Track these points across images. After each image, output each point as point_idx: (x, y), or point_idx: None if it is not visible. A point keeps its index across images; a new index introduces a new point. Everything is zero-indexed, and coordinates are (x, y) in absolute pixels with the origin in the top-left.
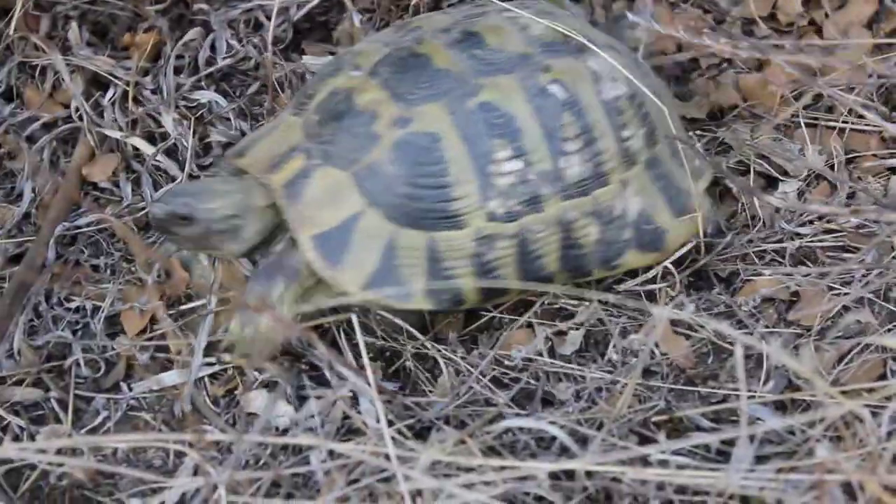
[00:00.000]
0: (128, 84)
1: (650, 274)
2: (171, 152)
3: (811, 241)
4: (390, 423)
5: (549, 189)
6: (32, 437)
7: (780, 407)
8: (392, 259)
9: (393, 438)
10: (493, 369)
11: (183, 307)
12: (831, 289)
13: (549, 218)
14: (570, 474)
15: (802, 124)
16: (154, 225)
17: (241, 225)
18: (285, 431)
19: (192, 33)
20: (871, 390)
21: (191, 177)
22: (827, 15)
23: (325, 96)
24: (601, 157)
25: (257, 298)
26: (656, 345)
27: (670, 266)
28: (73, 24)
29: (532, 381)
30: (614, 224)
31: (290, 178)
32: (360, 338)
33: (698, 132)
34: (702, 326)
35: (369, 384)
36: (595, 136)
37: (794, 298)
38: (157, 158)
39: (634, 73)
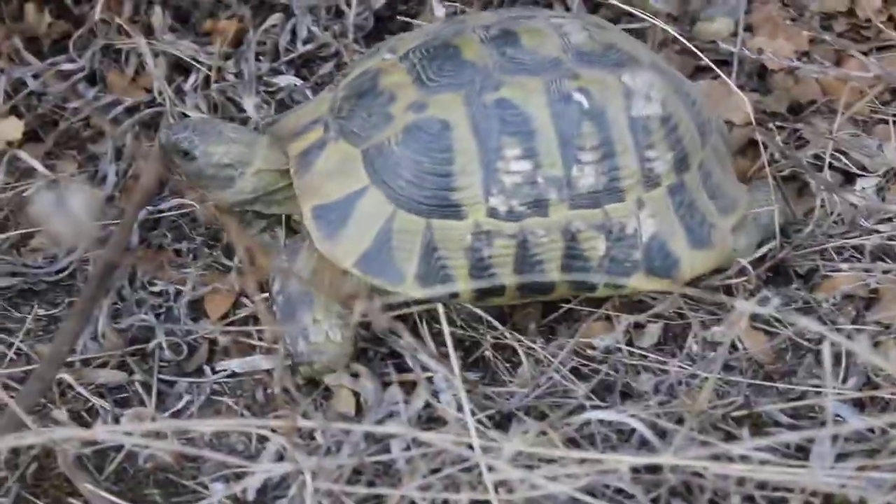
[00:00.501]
0: (210, 69)
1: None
2: None
3: (890, 239)
4: (472, 413)
5: (556, 195)
6: (117, 420)
7: (858, 404)
8: (388, 240)
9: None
10: (573, 360)
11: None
12: None
13: (553, 224)
14: (650, 468)
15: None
16: (159, 150)
17: (234, 177)
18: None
19: (274, 19)
20: None
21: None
22: None
23: (356, 75)
24: (618, 173)
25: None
26: (738, 339)
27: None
28: (157, 9)
29: (611, 373)
30: (624, 242)
31: (305, 147)
32: (445, 328)
33: (778, 124)
34: (779, 322)
35: (453, 373)
36: (615, 150)
37: (874, 296)
38: None
39: (675, 95)
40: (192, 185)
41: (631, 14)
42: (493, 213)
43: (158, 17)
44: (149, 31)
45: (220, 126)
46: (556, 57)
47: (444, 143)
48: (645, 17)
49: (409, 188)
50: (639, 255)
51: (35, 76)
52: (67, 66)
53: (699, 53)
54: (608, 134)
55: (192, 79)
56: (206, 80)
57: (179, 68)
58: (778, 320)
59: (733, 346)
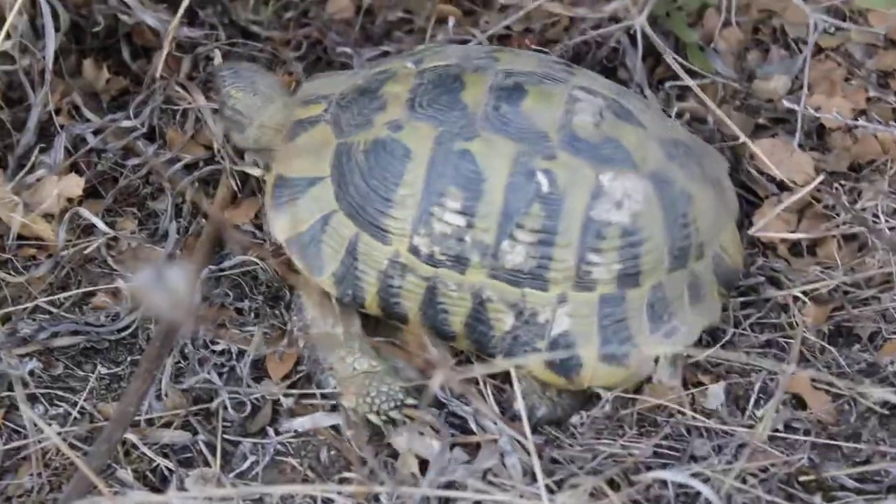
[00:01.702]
0: None
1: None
2: None
3: None
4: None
5: (479, 259)
6: (182, 481)
7: None
8: (322, 233)
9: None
10: (636, 424)
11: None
12: None
13: (466, 283)
14: None
15: None
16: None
17: (244, 125)
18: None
19: None
20: None
21: None
22: None
23: (377, 71)
24: (550, 263)
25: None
26: (798, 399)
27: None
28: (218, 55)
29: (674, 434)
30: (531, 328)
31: (303, 117)
32: (518, 395)
33: (841, 184)
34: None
35: (525, 436)
36: (556, 241)
37: None
38: None
39: (663, 213)
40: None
41: (692, 73)
42: (414, 250)
43: (219, 61)
44: (207, 88)
45: (257, 76)
46: (545, 131)
47: (398, 168)
48: (706, 74)
49: (354, 195)
50: (542, 345)
51: (95, 133)
52: (127, 123)
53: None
54: (555, 224)
55: None
56: None
57: None
58: (836, 383)
59: (796, 406)
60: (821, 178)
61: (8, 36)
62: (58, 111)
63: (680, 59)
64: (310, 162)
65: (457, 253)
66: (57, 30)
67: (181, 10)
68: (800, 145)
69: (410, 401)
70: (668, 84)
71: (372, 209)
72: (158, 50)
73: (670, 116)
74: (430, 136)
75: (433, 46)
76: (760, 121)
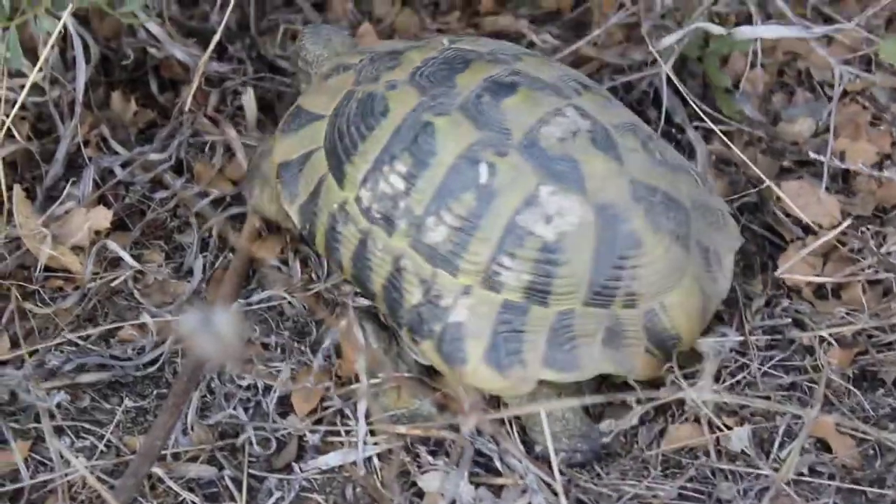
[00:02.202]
0: None
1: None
2: None
3: None
4: None
5: (405, 226)
6: None
7: None
8: (304, 164)
9: None
10: (660, 461)
11: (353, 386)
12: None
13: (390, 246)
14: None
15: None
16: None
17: (309, 73)
18: None
19: None
20: None
21: None
22: None
23: (417, 41)
24: (464, 253)
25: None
26: (823, 444)
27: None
28: (249, 92)
29: (699, 476)
30: (434, 309)
31: (342, 63)
32: (547, 433)
33: (867, 227)
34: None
35: (553, 477)
36: (476, 234)
37: None
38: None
39: (595, 244)
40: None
41: (715, 117)
42: (357, 200)
43: (250, 106)
44: (235, 123)
45: (333, 34)
46: (510, 130)
47: (372, 123)
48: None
49: (335, 137)
50: (438, 329)
51: (123, 165)
52: (154, 156)
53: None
54: (480, 216)
55: None
56: None
57: None
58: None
59: (821, 449)
60: (847, 222)
61: (40, 68)
62: (86, 143)
63: (702, 106)
64: (324, 101)
65: (389, 214)
66: (87, 62)
67: (212, 46)
68: (825, 188)
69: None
70: (694, 125)
71: (341, 153)
72: (186, 83)
73: (692, 172)
74: (411, 103)
75: (479, 39)
76: (785, 163)
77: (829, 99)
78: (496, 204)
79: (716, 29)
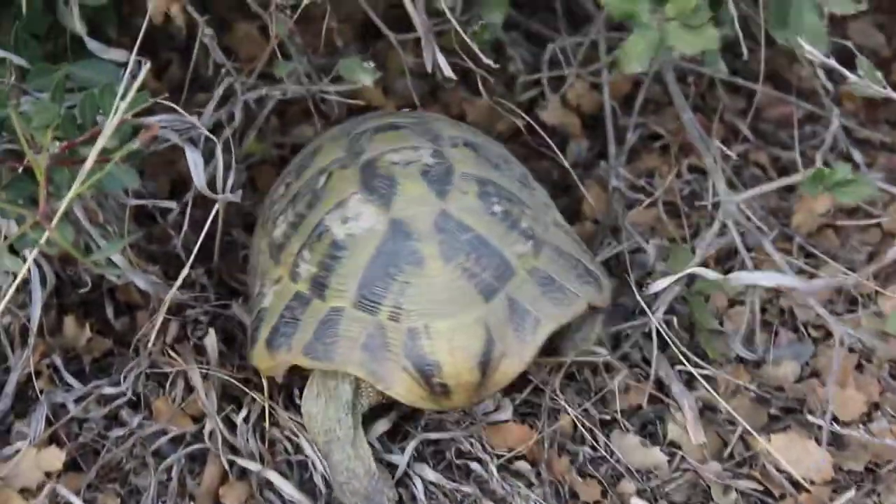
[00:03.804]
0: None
1: None
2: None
3: None
4: None
5: (270, 225)
6: None
7: None
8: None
9: None
10: None
11: None
12: None
13: (258, 243)
14: None
15: None
16: None
17: None
18: None
19: None
20: None
21: None
22: None
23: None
24: (287, 246)
25: None
26: None
27: None
28: (211, 332)
29: None
30: (259, 297)
31: None
32: None
33: (859, 484)
34: None
35: None
36: (299, 231)
37: None
38: (290, 495)
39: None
40: None
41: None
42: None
43: (212, 338)
44: (197, 351)
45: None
46: (364, 152)
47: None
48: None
49: None
50: (255, 314)
51: (77, 400)
52: (110, 390)
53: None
54: (305, 216)
55: (243, 412)
56: (262, 413)
57: (228, 396)
58: None
59: None
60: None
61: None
62: (38, 374)
63: (685, 352)
64: None
65: (268, 216)
66: (43, 287)
67: (180, 279)
68: (815, 438)
69: None
70: (677, 368)
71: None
72: (143, 309)
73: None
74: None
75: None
76: (772, 410)
77: (814, 341)
78: (319, 205)
79: (710, 274)
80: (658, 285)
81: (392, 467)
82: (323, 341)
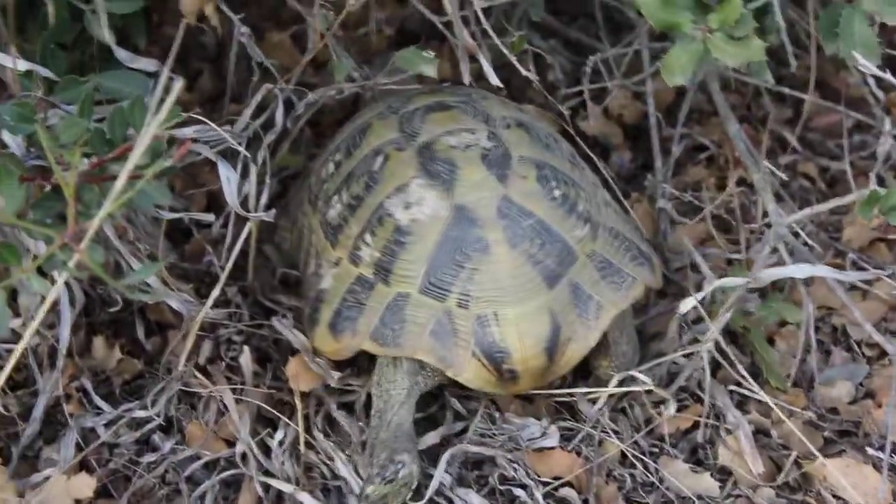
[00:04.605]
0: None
1: None
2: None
3: None
4: None
5: (321, 204)
6: None
7: None
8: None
9: None
10: None
11: None
12: None
13: (308, 222)
14: None
15: None
16: None
17: None
18: None
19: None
20: None
21: None
22: None
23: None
24: (344, 228)
25: None
26: None
27: None
28: (246, 350)
29: None
30: (318, 277)
31: None
32: None
33: None
34: None
35: None
36: (356, 213)
37: None
38: None
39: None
40: None
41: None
42: (309, 187)
43: (246, 357)
44: (230, 371)
45: None
46: (419, 133)
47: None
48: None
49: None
50: (312, 295)
51: (107, 424)
52: (141, 413)
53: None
54: (364, 198)
55: (279, 435)
56: (297, 435)
57: (263, 418)
58: None
59: None
60: None
61: (18, 314)
62: (67, 397)
63: (743, 372)
64: None
65: (317, 194)
66: (72, 306)
67: (212, 298)
68: (873, 464)
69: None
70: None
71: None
72: (175, 328)
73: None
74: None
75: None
76: (826, 433)
77: (868, 360)
78: (377, 189)
79: (735, 281)
80: (686, 305)
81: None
82: (391, 327)
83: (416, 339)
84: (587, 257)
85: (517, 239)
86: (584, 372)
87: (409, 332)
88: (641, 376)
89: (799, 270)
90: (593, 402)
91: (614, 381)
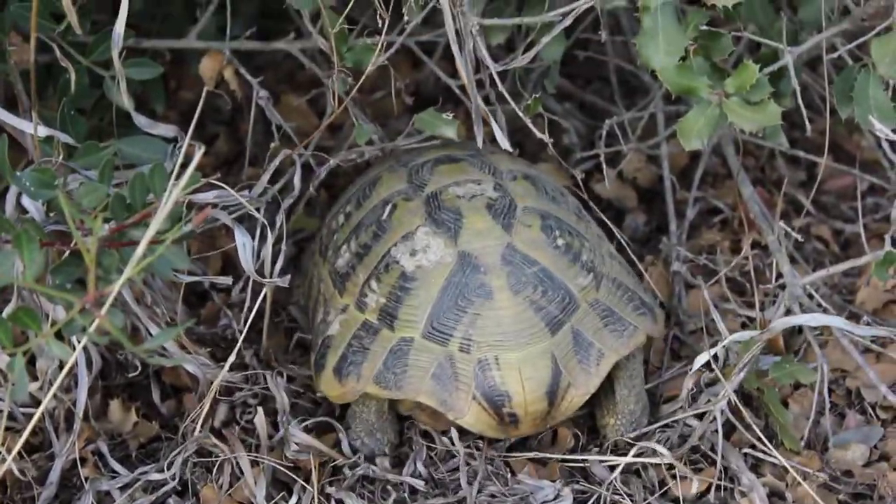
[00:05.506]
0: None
1: None
2: None
3: None
4: None
5: (331, 253)
6: None
7: None
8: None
9: None
10: None
11: None
12: None
13: (318, 271)
14: None
15: None
16: None
17: None
18: None
19: None
20: None
21: None
22: None
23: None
24: (351, 275)
25: None
26: None
27: None
28: (260, 412)
29: None
30: (323, 326)
31: None
32: None
33: None
34: None
35: None
36: (364, 261)
37: None
38: None
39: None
40: None
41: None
42: (320, 238)
43: (261, 418)
44: (246, 434)
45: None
46: (427, 184)
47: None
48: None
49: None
50: (318, 341)
51: (122, 487)
52: (156, 476)
53: None
54: (371, 245)
55: (294, 498)
56: (313, 499)
57: (279, 482)
58: None
59: None
60: None
61: (35, 378)
62: (83, 460)
63: (760, 434)
64: None
65: (327, 245)
66: (88, 370)
67: (230, 361)
68: None
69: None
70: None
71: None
72: (190, 391)
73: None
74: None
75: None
76: (841, 496)
77: (882, 423)
78: (384, 237)
79: (746, 335)
80: (700, 360)
81: None
82: (393, 370)
83: (418, 382)
84: (590, 305)
85: (520, 285)
86: (596, 431)
87: (411, 375)
88: (659, 447)
89: (812, 319)
90: (611, 468)
91: (633, 451)
